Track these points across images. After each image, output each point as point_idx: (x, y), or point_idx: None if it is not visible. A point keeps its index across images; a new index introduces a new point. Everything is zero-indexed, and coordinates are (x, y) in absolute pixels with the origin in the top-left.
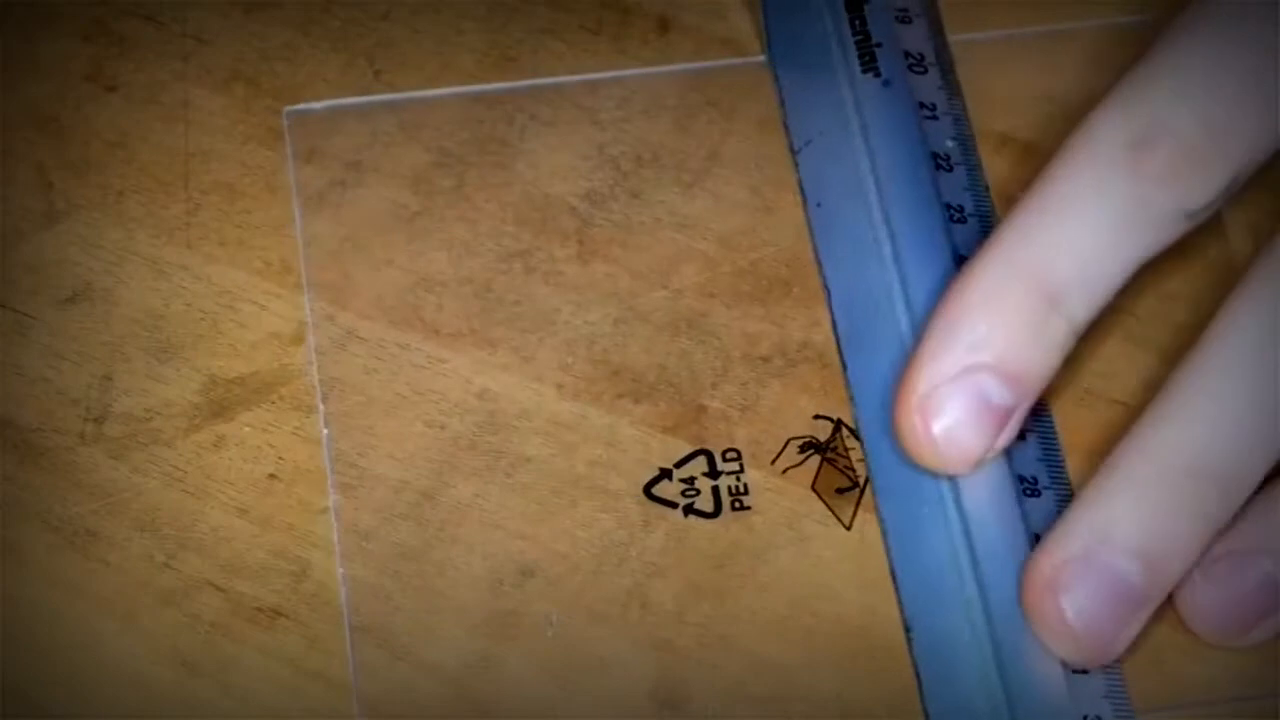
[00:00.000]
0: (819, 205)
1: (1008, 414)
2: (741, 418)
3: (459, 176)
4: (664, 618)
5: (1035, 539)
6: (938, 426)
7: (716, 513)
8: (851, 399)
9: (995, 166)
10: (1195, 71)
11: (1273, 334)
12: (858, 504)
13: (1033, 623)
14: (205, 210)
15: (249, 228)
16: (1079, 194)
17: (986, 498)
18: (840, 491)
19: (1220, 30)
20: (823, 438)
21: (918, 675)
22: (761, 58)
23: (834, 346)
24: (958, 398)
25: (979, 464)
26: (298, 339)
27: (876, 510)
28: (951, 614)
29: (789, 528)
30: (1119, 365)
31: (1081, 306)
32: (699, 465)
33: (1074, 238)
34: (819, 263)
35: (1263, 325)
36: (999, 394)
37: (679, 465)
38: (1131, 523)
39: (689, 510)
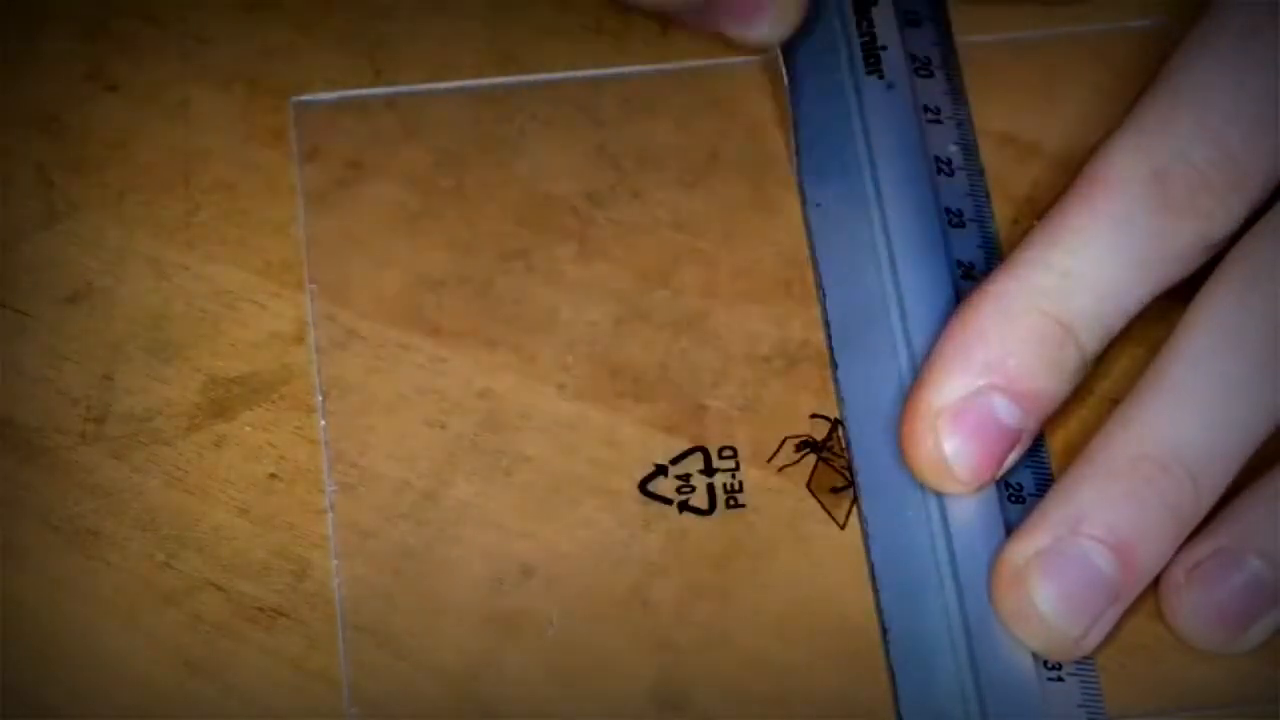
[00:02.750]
0: (818, 206)
1: (1017, 436)
2: (742, 417)
3: (459, 176)
4: (664, 617)
5: None
6: (949, 445)
7: (711, 510)
8: (841, 400)
9: (997, 166)
10: (1213, 99)
11: (1244, 326)
12: (853, 503)
13: (1002, 615)
14: (206, 210)
15: (249, 227)
16: (1098, 227)
17: (971, 503)
18: (835, 490)
19: (1234, 53)
20: (819, 436)
21: (892, 677)
22: (762, 58)
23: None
24: (969, 417)
25: (984, 486)
26: (298, 338)
27: (860, 510)
28: (929, 617)
29: (788, 527)
30: (1119, 365)
31: (1095, 337)
32: (695, 462)
33: (1092, 271)
34: (815, 263)
35: (1233, 318)
36: (1010, 414)
37: (675, 462)
38: (1101, 513)
39: (684, 507)
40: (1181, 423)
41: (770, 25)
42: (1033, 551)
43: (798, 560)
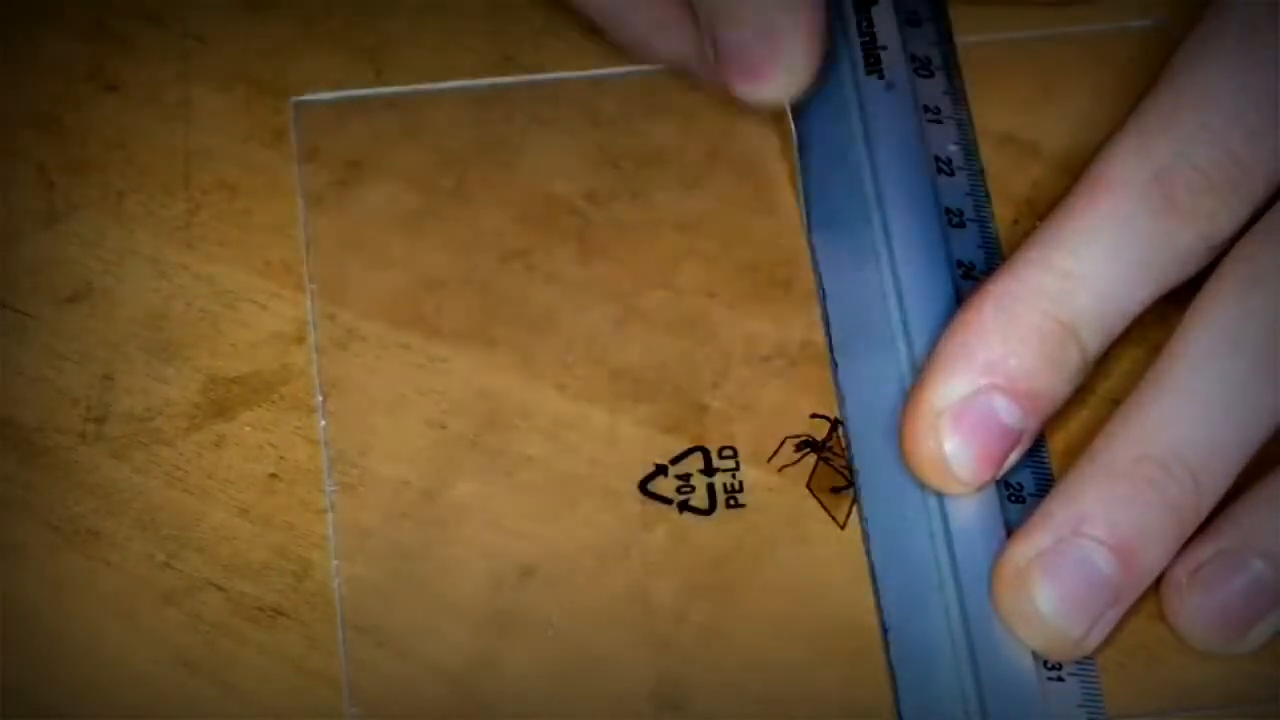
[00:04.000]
0: (818, 206)
1: (1018, 436)
2: (742, 417)
3: (460, 176)
4: (664, 617)
5: None
6: (949, 445)
7: (711, 510)
8: (841, 399)
9: (997, 165)
10: (1215, 100)
11: (1245, 326)
12: (853, 503)
13: (1003, 615)
14: (206, 210)
15: (249, 227)
16: (1100, 227)
17: (971, 504)
18: (835, 490)
19: (1236, 53)
20: (819, 436)
21: (893, 677)
22: None
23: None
24: (970, 417)
25: (983, 486)
26: (298, 338)
27: (860, 510)
28: (930, 618)
29: (788, 527)
30: (1119, 365)
31: (1096, 338)
32: (695, 462)
33: (1094, 272)
34: (815, 263)
35: (1234, 319)
36: (1011, 415)
37: (675, 461)
38: (1102, 513)
39: (684, 507)
40: (1183, 423)
41: (776, 84)
42: (1034, 552)
43: (798, 560)
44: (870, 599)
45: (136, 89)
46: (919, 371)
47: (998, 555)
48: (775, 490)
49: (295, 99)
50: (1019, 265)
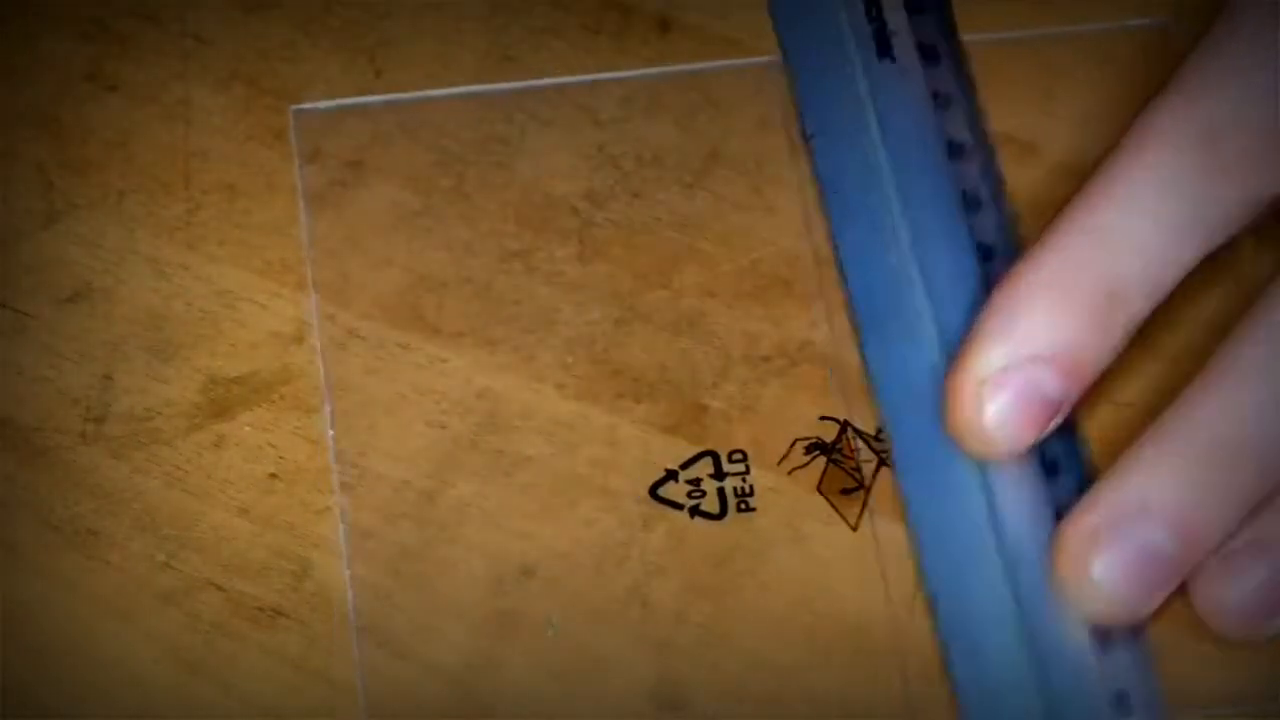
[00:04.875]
0: (834, 193)
1: (1059, 406)
2: (742, 417)
3: (460, 176)
4: (664, 618)
5: (1059, 514)
6: (990, 412)
7: (722, 514)
8: (871, 382)
9: None
10: (1261, 59)
11: None
12: (864, 505)
13: (1063, 584)
14: (205, 210)
15: (249, 227)
16: (1145, 189)
17: (1013, 472)
18: (845, 492)
19: (1276, 14)
20: (829, 439)
21: (945, 647)
22: (762, 58)
23: (834, 346)
24: (1013, 386)
25: (1022, 453)
26: (298, 338)
27: (897, 487)
28: (978, 586)
29: (789, 527)
30: (1126, 367)
31: (1142, 302)
32: (705, 466)
33: (1140, 234)
34: (835, 248)
35: None
36: (1054, 386)
37: (685, 466)
38: (1169, 494)
39: (695, 512)
40: (1253, 408)
41: None
42: (1097, 527)
43: (810, 563)
44: (877, 600)
45: (136, 89)
46: (953, 347)
47: (1046, 526)
48: (784, 493)
49: (295, 107)
50: (1061, 230)
